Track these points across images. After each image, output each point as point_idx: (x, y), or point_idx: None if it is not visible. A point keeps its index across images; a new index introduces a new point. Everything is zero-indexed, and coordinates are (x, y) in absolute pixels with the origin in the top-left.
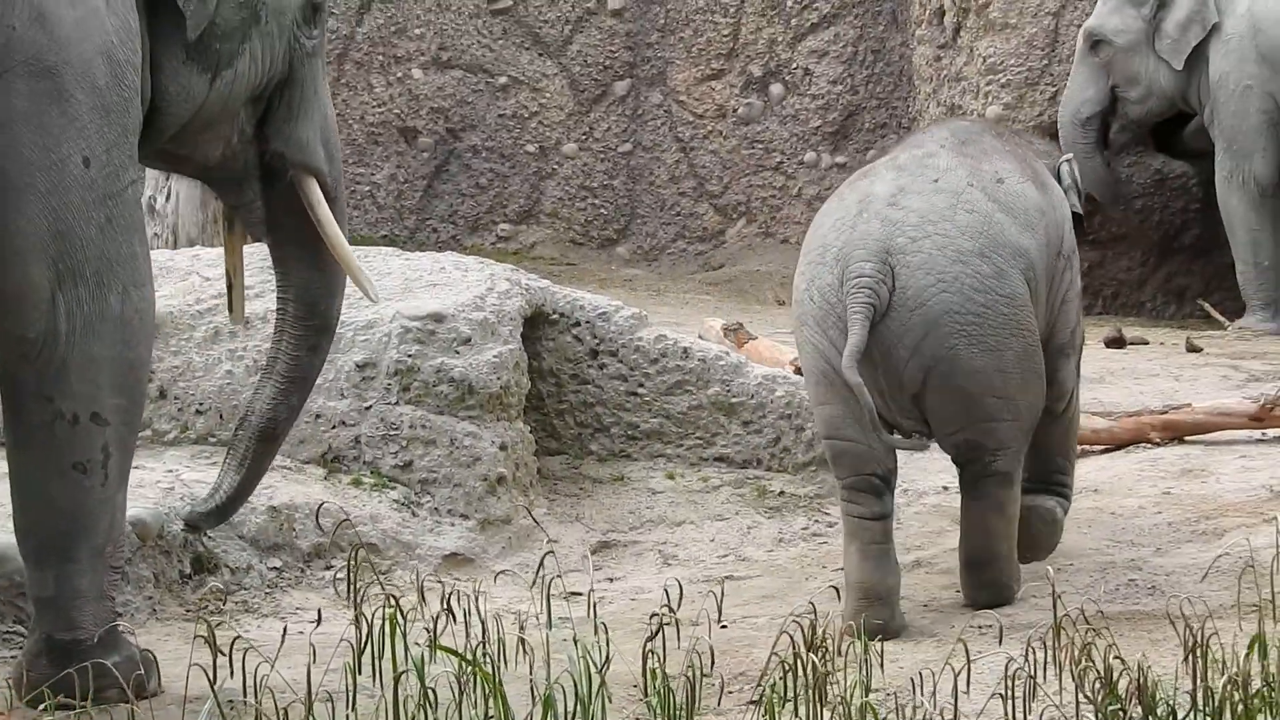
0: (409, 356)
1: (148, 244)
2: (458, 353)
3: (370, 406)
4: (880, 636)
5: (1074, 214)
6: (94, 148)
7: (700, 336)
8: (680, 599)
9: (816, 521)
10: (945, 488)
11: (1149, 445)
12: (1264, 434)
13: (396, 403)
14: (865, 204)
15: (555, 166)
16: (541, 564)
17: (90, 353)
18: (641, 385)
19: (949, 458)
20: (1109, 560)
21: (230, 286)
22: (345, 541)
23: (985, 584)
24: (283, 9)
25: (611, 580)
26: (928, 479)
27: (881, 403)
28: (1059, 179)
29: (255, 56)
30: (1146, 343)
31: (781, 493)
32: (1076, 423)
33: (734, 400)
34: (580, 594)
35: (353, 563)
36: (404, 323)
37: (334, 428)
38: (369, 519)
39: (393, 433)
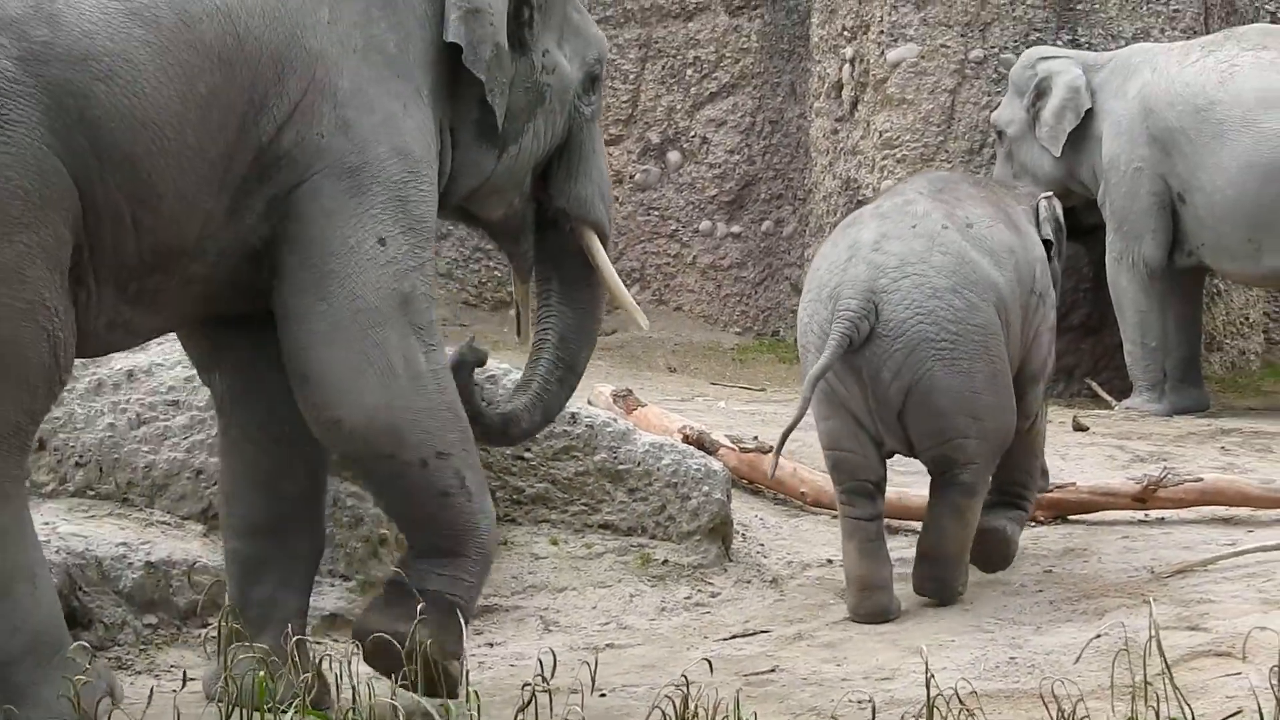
0: None
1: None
2: None
3: None
4: (881, 620)
5: (1045, 241)
6: (389, 229)
7: (589, 402)
8: (555, 667)
9: (699, 591)
10: (830, 560)
11: (1033, 523)
12: (1146, 515)
13: None
14: (854, 250)
15: (450, 228)
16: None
17: (414, 407)
18: (528, 450)
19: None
20: (990, 637)
21: (518, 315)
22: (222, 599)
23: (931, 578)
24: (565, 87)
25: (491, 645)
26: (813, 551)
27: (870, 421)
28: (1037, 215)
29: (539, 133)
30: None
31: (665, 561)
32: (1041, 439)
33: (620, 467)
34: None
35: (223, 623)
36: None
37: (215, 484)
38: None
39: None
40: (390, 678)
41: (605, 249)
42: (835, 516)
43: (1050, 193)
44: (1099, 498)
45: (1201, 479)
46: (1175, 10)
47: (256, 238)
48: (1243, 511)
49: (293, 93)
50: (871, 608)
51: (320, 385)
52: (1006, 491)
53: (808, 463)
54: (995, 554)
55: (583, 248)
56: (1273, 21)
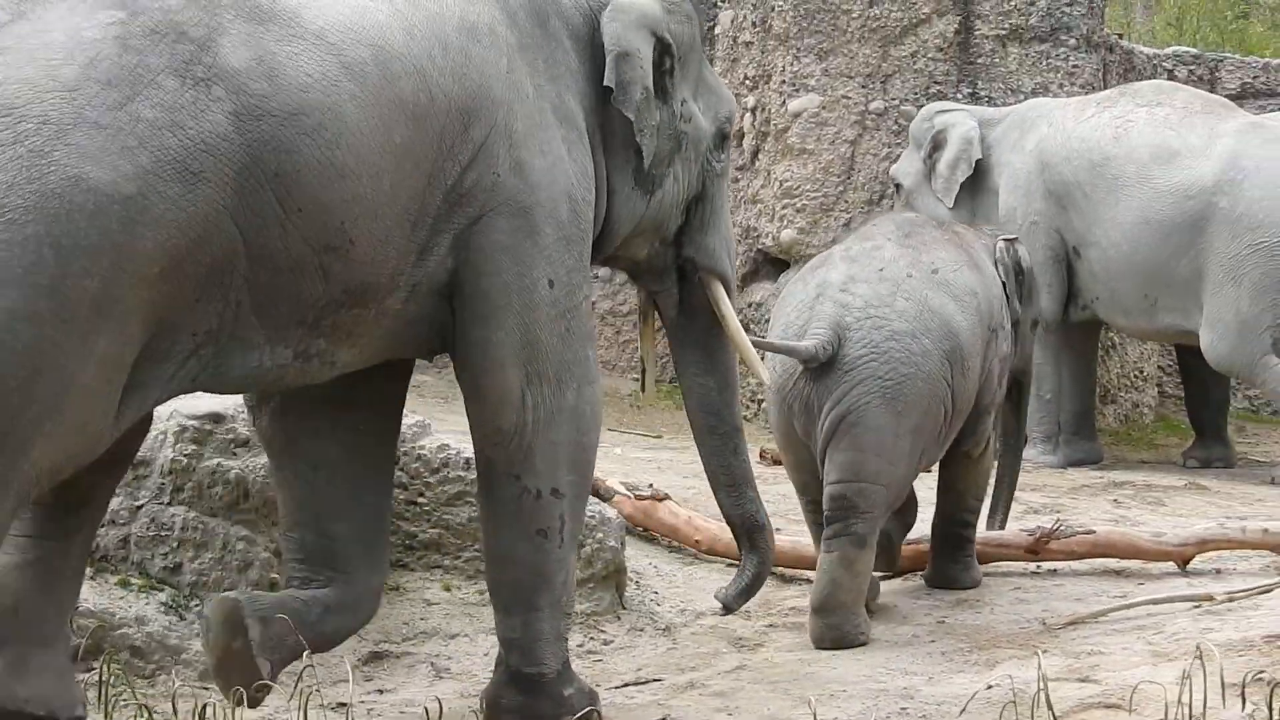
0: (185, 456)
1: (596, 347)
2: (235, 454)
3: (142, 506)
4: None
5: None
6: (557, 272)
7: None
8: (443, 714)
9: (592, 639)
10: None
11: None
12: (1039, 566)
13: (169, 503)
14: (822, 289)
15: None
16: (301, 675)
17: (551, 439)
18: (422, 495)
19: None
20: (881, 688)
21: (644, 370)
22: (107, 644)
23: (828, 627)
24: (699, 138)
25: (381, 692)
26: (706, 599)
27: (810, 457)
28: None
29: (678, 178)
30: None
31: None
32: (988, 467)
33: None
34: (346, 705)
35: (105, 669)
36: (181, 421)
37: (102, 526)
38: (135, 621)
39: (164, 534)
40: None
41: (730, 298)
42: (730, 564)
43: (1013, 236)
44: (992, 549)
45: (1093, 531)
46: (1074, 66)
47: (444, 271)
48: (1134, 564)
49: (476, 138)
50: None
51: (486, 402)
52: (953, 520)
53: (702, 511)
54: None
55: (708, 297)
56: (1170, 79)
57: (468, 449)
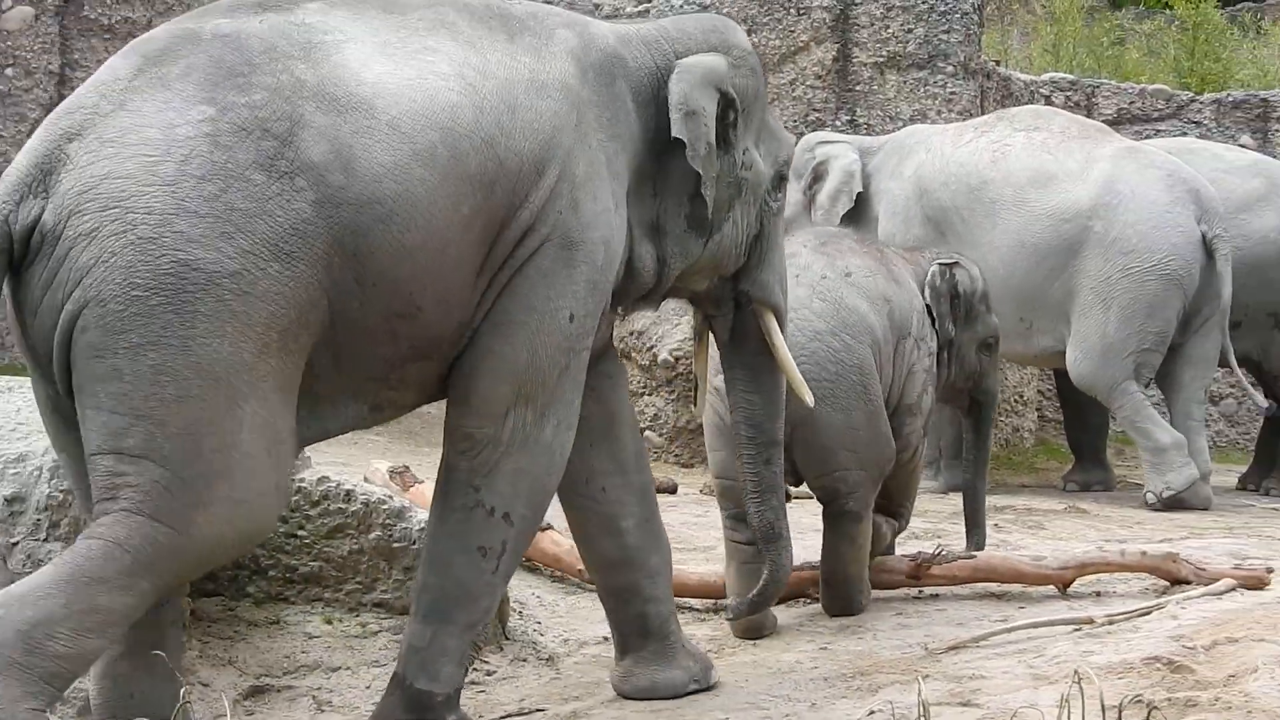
0: (61, 492)
1: (580, 399)
2: None
3: (17, 543)
4: (756, 636)
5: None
6: (577, 309)
7: (365, 479)
8: None
9: (475, 669)
10: (605, 638)
11: (808, 600)
12: (920, 591)
13: (45, 539)
14: None
15: None
16: (177, 713)
17: (519, 464)
18: (302, 527)
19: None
20: (765, 715)
21: (696, 387)
22: None
23: (838, 598)
24: (759, 183)
25: None
26: (589, 628)
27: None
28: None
29: (737, 221)
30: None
31: None
32: (918, 473)
33: (396, 545)
34: None
35: None
36: (56, 457)
37: None
38: None
39: None
40: None
41: (782, 327)
42: None
43: (952, 260)
44: (873, 574)
45: (974, 555)
46: (952, 93)
47: (492, 302)
48: (1015, 588)
49: (547, 183)
50: (747, 625)
51: (469, 407)
52: (886, 513)
53: None
54: (875, 543)
55: (761, 327)
56: (1047, 105)
57: (348, 481)
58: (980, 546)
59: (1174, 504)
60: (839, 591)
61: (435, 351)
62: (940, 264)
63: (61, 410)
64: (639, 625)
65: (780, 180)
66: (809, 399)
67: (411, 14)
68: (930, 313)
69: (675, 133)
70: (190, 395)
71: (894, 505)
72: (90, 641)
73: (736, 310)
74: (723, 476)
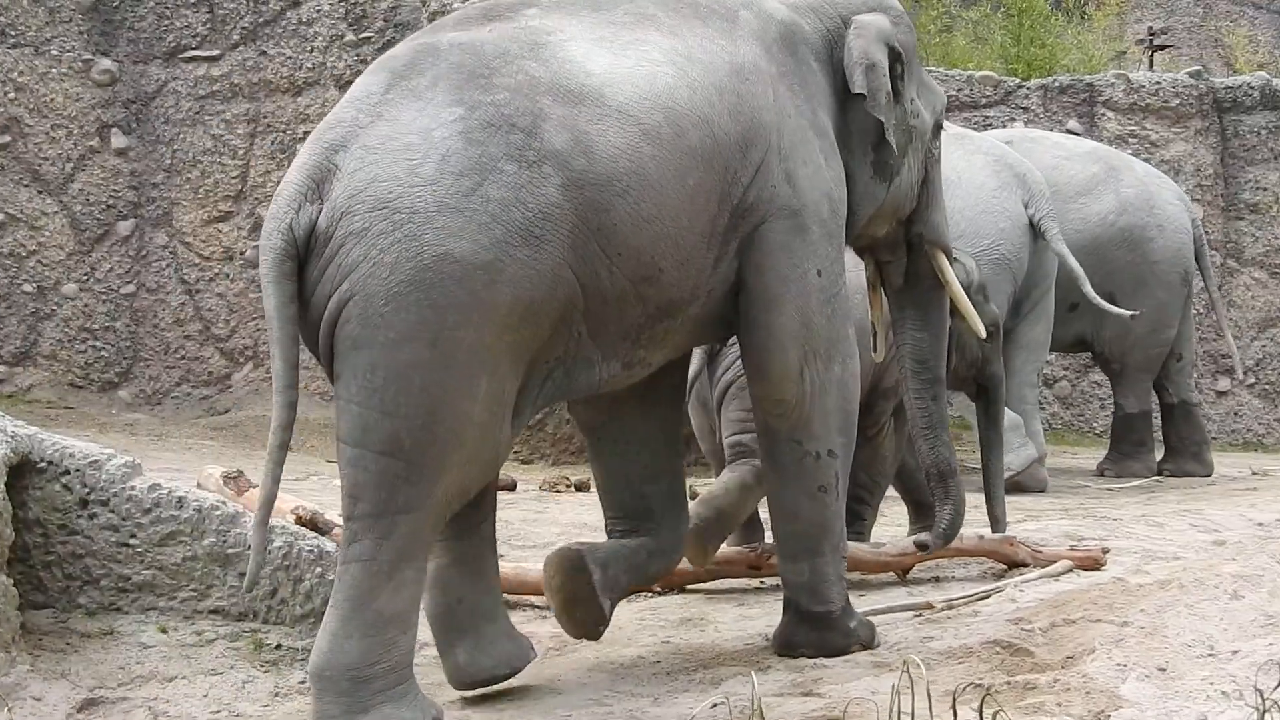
0: None
1: (854, 325)
2: None
3: None
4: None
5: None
6: (822, 262)
7: (199, 485)
8: None
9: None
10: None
11: (650, 594)
12: (762, 582)
13: None
14: None
15: (54, 307)
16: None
17: (825, 407)
18: (134, 536)
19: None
20: (608, 711)
21: (874, 334)
22: None
23: (699, 518)
24: (924, 130)
25: None
26: (424, 631)
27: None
28: None
29: (910, 166)
30: None
31: (278, 646)
32: (884, 452)
33: (230, 551)
34: None
35: None
36: None
37: None
38: None
39: None
40: None
41: (951, 265)
42: None
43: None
44: (715, 566)
45: None
46: None
47: (731, 273)
48: (854, 575)
49: (754, 160)
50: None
51: (770, 379)
52: (852, 496)
53: None
54: None
55: (933, 266)
56: None
57: (180, 488)
58: (1001, 530)
59: (1011, 486)
60: (703, 510)
61: (678, 311)
62: None
63: None
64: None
65: (939, 129)
66: (981, 331)
67: (616, 10)
68: None
69: (857, 87)
70: (434, 383)
71: (857, 476)
72: (403, 639)
73: (910, 253)
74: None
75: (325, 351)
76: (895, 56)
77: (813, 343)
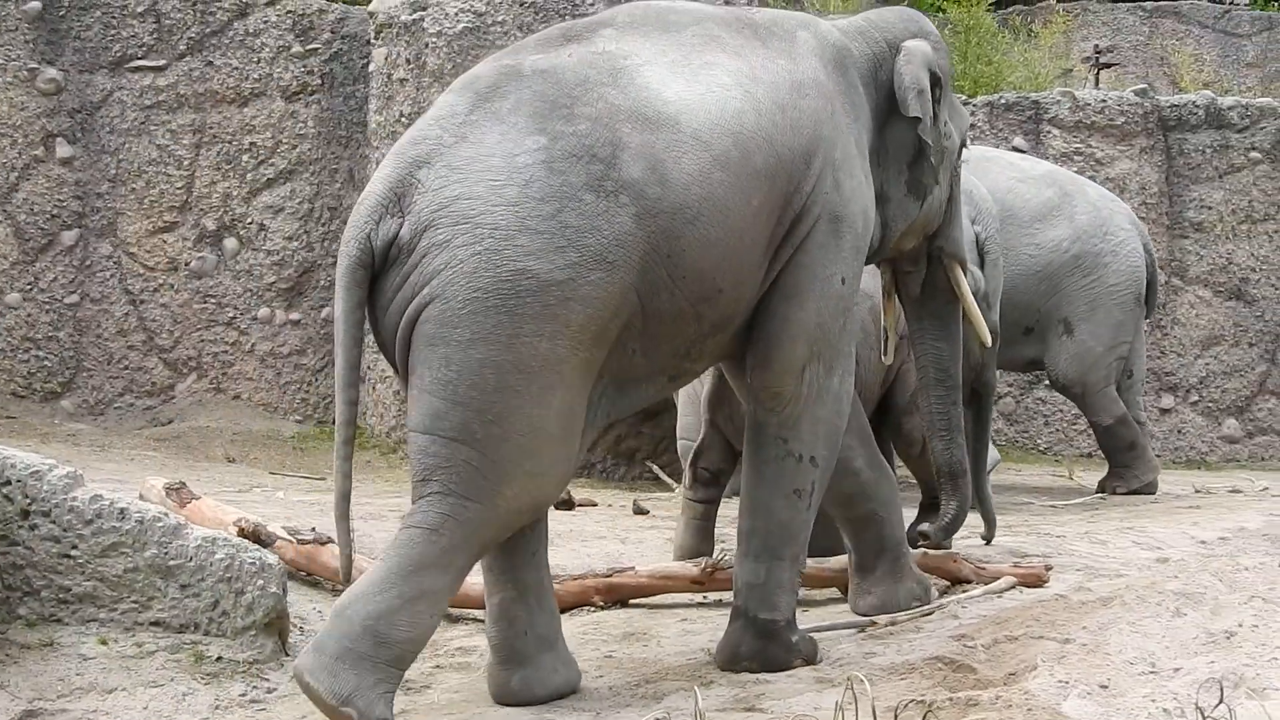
0: None
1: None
2: None
3: None
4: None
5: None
6: (847, 272)
7: (141, 496)
8: None
9: (255, 688)
10: None
11: (593, 608)
12: (705, 597)
13: None
14: None
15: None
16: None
17: (816, 413)
18: (75, 547)
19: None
20: None
21: (887, 337)
22: None
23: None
24: (953, 149)
25: None
26: None
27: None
28: None
29: (941, 184)
30: (595, 504)
31: (219, 658)
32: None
33: (172, 563)
34: None
35: None
36: None
37: None
38: None
39: None
40: None
41: (966, 278)
42: None
43: None
44: (658, 581)
45: None
46: None
47: (775, 275)
48: (801, 592)
49: (815, 169)
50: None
51: (772, 370)
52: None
53: (367, 553)
54: None
55: (949, 277)
56: None
57: (121, 500)
58: (989, 539)
59: None
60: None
61: (730, 324)
62: None
63: None
64: (876, 546)
65: (962, 146)
66: (988, 339)
67: (685, 32)
68: None
69: (911, 111)
70: (508, 386)
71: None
72: (425, 622)
73: (929, 265)
74: (685, 437)
75: (402, 351)
76: (935, 81)
77: (821, 344)
